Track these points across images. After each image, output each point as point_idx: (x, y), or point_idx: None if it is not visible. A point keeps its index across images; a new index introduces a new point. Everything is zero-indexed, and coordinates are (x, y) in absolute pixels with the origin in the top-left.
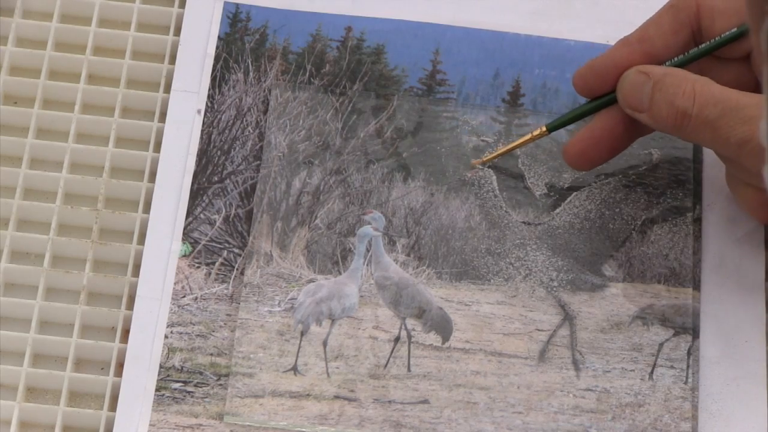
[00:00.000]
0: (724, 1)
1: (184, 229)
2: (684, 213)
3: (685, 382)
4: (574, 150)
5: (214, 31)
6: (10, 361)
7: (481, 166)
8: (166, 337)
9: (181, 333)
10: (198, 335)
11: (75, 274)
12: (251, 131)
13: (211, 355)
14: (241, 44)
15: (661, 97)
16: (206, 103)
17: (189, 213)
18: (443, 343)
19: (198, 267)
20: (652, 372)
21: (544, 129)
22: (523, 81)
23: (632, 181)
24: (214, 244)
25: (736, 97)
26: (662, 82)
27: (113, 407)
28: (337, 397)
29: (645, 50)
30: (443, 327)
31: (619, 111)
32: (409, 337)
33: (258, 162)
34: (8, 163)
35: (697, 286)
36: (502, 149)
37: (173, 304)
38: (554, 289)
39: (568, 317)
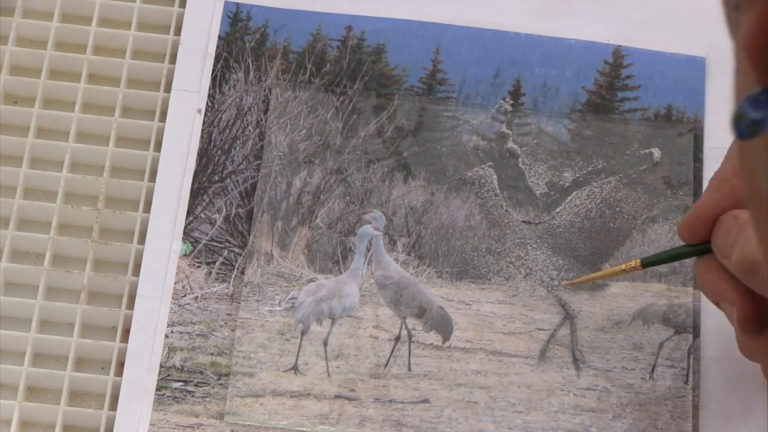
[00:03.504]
0: None
1: (185, 228)
2: (684, 212)
3: (686, 381)
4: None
5: (215, 30)
6: (11, 360)
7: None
8: (166, 336)
9: (181, 332)
10: (198, 335)
11: (75, 274)
12: (252, 131)
13: (212, 354)
14: (241, 44)
15: (739, 241)
16: (207, 103)
17: (189, 212)
18: (444, 342)
19: (198, 266)
20: (652, 371)
21: (638, 263)
22: (523, 80)
23: (633, 180)
24: (214, 243)
25: None
26: (747, 227)
27: (114, 407)
28: (337, 396)
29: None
30: (444, 326)
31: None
32: (410, 336)
33: (258, 161)
34: (8, 162)
35: (697, 285)
36: (591, 276)
37: (174, 303)
38: (555, 288)
39: (568, 316)
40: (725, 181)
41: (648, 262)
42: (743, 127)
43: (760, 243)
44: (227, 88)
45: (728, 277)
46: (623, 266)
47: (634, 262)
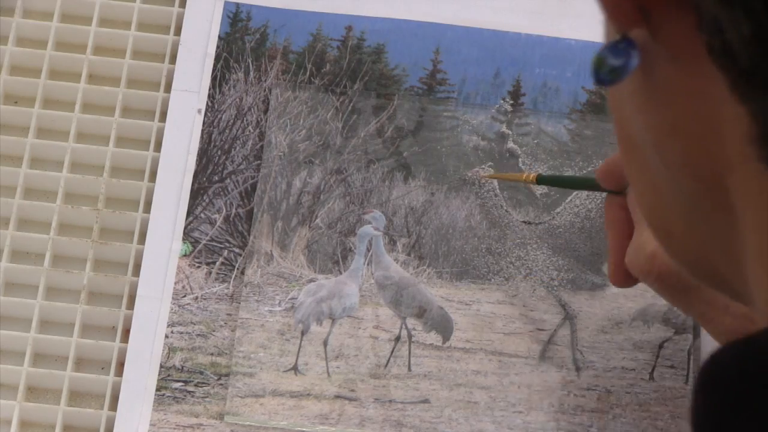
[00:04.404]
0: None
1: (185, 228)
2: None
3: (686, 382)
4: (619, 278)
5: (215, 30)
6: (11, 360)
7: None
8: (166, 336)
9: (181, 332)
10: (198, 335)
11: (75, 274)
12: (252, 131)
13: (212, 354)
14: (241, 44)
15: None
16: (207, 103)
17: (189, 212)
18: (444, 342)
19: (198, 266)
20: (652, 371)
21: (533, 177)
22: (523, 80)
23: None
24: (214, 243)
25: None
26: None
27: (114, 407)
28: (337, 396)
29: None
30: (444, 326)
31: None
32: (410, 336)
33: (258, 161)
34: (9, 162)
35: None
36: (497, 175)
37: (174, 303)
38: (555, 288)
39: (568, 316)
40: None
41: (543, 179)
42: (603, 74)
43: (634, 191)
44: (227, 88)
45: (626, 223)
46: (522, 176)
47: (532, 175)
